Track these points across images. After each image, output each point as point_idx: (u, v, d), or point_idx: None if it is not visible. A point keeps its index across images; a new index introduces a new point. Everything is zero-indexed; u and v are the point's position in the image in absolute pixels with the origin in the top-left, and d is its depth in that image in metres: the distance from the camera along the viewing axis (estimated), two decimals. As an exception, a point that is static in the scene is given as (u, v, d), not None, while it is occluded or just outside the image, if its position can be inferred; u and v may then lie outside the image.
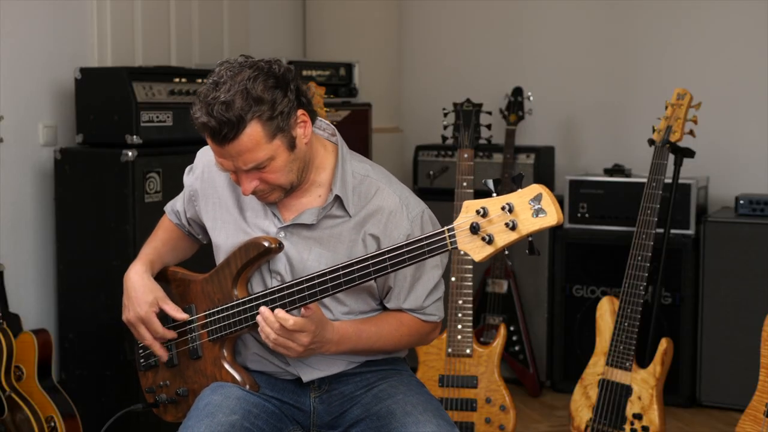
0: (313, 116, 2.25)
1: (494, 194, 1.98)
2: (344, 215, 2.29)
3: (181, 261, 2.58)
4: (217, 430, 2.15)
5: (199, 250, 2.64)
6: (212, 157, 2.41)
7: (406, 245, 2.07)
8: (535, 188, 1.94)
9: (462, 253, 2.02)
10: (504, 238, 1.95)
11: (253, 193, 2.23)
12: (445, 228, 2.02)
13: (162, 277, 2.49)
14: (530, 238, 1.98)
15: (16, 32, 3.66)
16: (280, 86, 2.16)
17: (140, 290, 2.39)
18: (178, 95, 3.69)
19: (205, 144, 2.52)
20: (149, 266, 2.44)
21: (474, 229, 1.97)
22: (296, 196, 2.31)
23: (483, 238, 1.96)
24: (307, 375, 2.35)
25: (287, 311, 2.17)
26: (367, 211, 2.29)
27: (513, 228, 1.94)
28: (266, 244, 2.26)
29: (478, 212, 1.97)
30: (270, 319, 2.15)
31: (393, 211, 2.28)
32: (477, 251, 1.98)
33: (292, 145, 2.19)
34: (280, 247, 2.27)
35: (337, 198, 2.28)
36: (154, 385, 2.48)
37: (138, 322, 2.39)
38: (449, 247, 2.02)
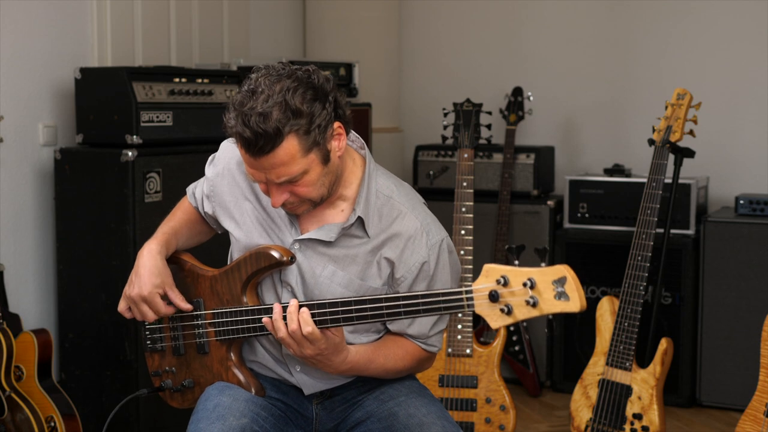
0: (348, 128, 2.20)
1: (516, 262, 1.96)
2: (363, 236, 2.25)
3: (197, 245, 2.53)
4: None
5: (210, 241, 2.59)
6: (236, 156, 2.34)
7: (422, 296, 2.03)
8: (561, 270, 1.88)
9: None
10: (524, 312, 1.90)
11: (283, 206, 2.18)
12: (464, 290, 1.97)
13: (173, 260, 2.43)
14: (550, 317, 1.95)
15: (16, 32, 3.66)
16: (319, 98, 2.09)
17: (150, 269, 2.31)
18: (178, 95, 3.69)
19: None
20: (164, 247, 2.37)
21: (493, 297, 1.92)
22: (320, 207, 2.26)
23: (501, 309, 1.92)
24: (309, 389, 2.34)
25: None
26: (386, 234, 2.25)
27: (534, 305, 1.89)
28: (277, 255, 2.23)
29: (498, 281, 1.92)
30: (292, 317, 2.11)
31: (412, 237, 2.24)
32: (494, 319, 1.93)
33: (326, 159, 2.14)
34: (291, 260, 2.23)
35: (359, 218, 2.24)
36: (160, 369, 2.45)
37: (140, 300, 2.32)
38: (465, 309, 1.97)
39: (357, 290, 2.24)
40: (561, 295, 1.87)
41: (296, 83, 2.07)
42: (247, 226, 2.32)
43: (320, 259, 2.26)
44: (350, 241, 2.25)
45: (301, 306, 2.13)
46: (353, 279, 2.24)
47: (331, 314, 2.11)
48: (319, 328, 2.12)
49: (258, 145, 2.05)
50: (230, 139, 2.38)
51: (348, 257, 2.25)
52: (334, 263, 2.25)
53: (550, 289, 1.88)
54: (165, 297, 2.35)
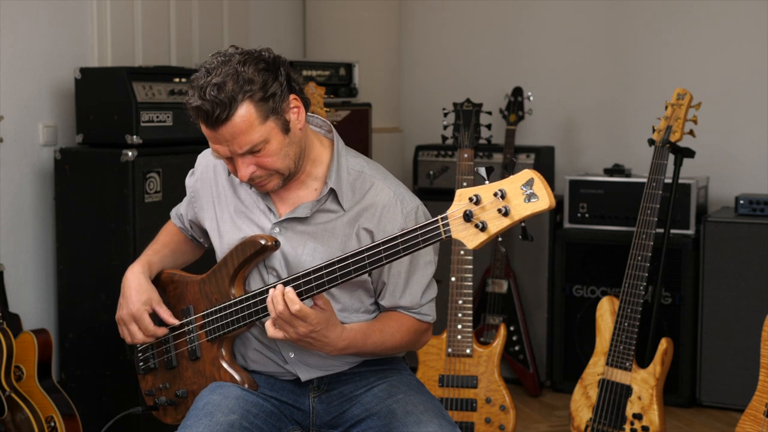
0: (305, 104, 2.26)
1: (487, 182, 1.98)
2: (338, 210, 2.30)
3: (183, 266, 2.59)
4: (216, 429, 2.16)
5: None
6: (211, 160, 2.44)
7: (401, 236, 2.07)
8: (527, 173, 1.93)
9: (454, 246, 2.01)
10: (497, 224, 1.95)
11: (251, 180, 2.23)
12: (439, 217, 2.02)
13: (157, 281, 2.49)
14: (523, 224, 1.98)
15: (16, 32, 3.66)
16: (270, 70, 2.18)
17: (135, 289, 2.41)
18: (178, 95, 3.69)
19: (207, 143, 2.54)
20: (147, 267, 2.46)
21: (467, 216, 1.97)
22: (292, 189, 2.32)
23: (476, 225, 1.96)
24: (305, 374, 2.35)
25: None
26: (361, 206, 2.30)
27: (506, 214, 1.93)
28: (263, 242, 2.27)
29: (470, 200, 1.97)
30: (278, 299, 2.14)
31: (387, 205, 2.29)
32: (470, 239, 1.98)
33: (286, 128, 2.20)
34: (276, 245, 2.27)
35: (332, 191, 2.29)
36: (153, 388, 2.49)
37: (130, 319, 2.41)
38: (443, 236, 2.02)
39: None
40: (530, 197, 1.92)
41: (247, 56, 2.18)
42: (228, 223, 2.38)
43: (300, 237, 2.30)
44: (326, 216, 2.30)
45: (285, 285, 2.16)
46: (334, 252, 2.27)
47: (315, 280, 2.15)
48: (306, 297, 2.15)
49: (215, 114, 2.13)
50: (205, 150, 2.48)
51: (327, 232, 2.29)
52: (313, 240, 2.29)
53: (519, 194, 1.93)
54: (153, 315, 2.42)
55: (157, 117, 3.61)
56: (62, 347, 3.69)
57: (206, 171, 2.45)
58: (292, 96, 2.21)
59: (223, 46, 4.61)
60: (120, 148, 3.50)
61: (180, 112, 3.69)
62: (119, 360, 3.53)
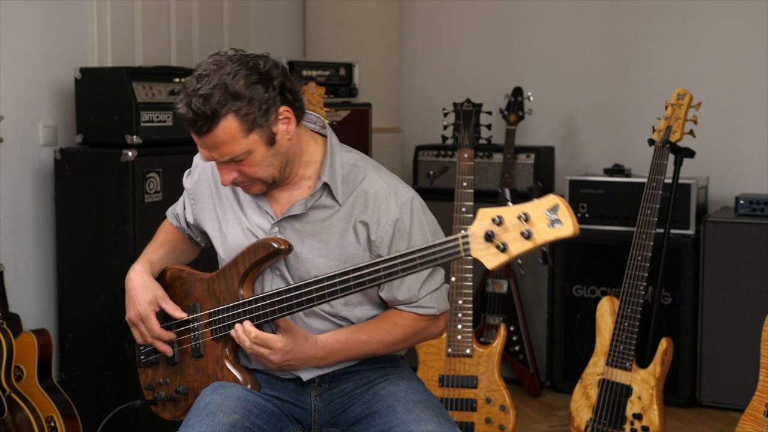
0: (299, 113, 2.26)
1: (509, 203, 1.98)
2: (334, 204, 2.30)
3: (182, 264, 2.58)
4: (218, 429, 2.16)
5: (204, 250, 2.65)
6: (209, 163, 2.43)
7: (418, 251, 2.05)
8: (553, 198, 1.92)
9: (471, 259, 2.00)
10: (518, 246, 1.94)
11: (234, 184, 2.27)
12: (459, 235, 2.00)
13: (163, 278, 2.49)
14: (544, 248, 1.98)
15: (16, 32, 3.66)
16: (261, 82, 2.18)
17: (140, 289, 2.41)
18: (178, 95, 3.68)
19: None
20: (149, 266, 2.47)
21: (488, 237, 1.95)
22: (286, 189, 2.33)
23: (497, 246, 1.95)
24: (307, 374, 2.35)
25: (299, 312, 2.23)
26: (354, 197, 2.30)
27: (528, 237, 1.92)
28: (275, 245, 2.27)
29: (493, 220, 1.95)
30: (241, 337, 2.22)
31: (380, 196, 2.29)
32: (490, 259, 1.97)
33: (271, 140, 2.21)
34: (289, 249, 2.27)
35: (326, 186, 2.29)
36: (153, 382, 2.48)
37: (138, 320, 2.42)
38: (462, 254, 2.00)
39: (338, 258, 2.29)
40: (554, 222, 1.91)
41: (240, 67, 2.18)
42: (230, 223, 2.39)
43: (298, 236, 2.31)
44: (323, 212, 2.31)
45: (297, 290, 2.19)
46: (333, 248, 2.28)
47: (328, 287, 2.16)
48: (320, 303, 2.18)
49: (198, 124, 2.17)
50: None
51: (324, 228, 2.30)
52: (311, 237, 2.30)
53: (543, 218, 1.92)
54: (160, 313, 2.42)
55: (157, 117, 3.61)
56: (62, 347, 3.69)
57: (204, 172, 2.46)
58: (283, 107, 2.21)
59: (224, 46, 4.66)
60: (120, 148, 3.50)
61: (180, 112, 3.69)
62: (119, 360, 3.53)
